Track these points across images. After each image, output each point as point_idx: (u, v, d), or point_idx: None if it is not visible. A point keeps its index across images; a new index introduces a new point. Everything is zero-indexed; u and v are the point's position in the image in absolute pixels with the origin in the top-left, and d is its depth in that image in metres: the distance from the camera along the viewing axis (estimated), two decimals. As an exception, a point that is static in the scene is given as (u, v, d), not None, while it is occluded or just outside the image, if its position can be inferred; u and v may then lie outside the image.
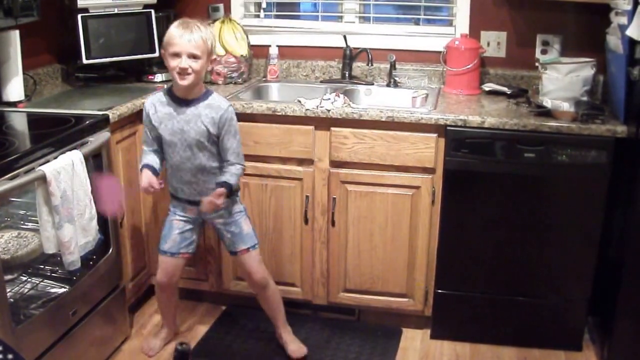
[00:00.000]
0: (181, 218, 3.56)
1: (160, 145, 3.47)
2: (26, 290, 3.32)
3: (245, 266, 3.63)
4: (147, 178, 3.39)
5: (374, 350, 3.84)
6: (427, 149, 3.65)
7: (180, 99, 3.36)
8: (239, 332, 4.00)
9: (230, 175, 3.40)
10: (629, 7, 3.32)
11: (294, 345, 3.78)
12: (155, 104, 3.42)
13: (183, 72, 3.23)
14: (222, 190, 3.34)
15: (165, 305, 3.84)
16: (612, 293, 3.59)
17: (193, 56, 3.22)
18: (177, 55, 3.22)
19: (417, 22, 4.56)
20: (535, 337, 3.88)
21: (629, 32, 3.30)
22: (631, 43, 3.37)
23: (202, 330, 4.04)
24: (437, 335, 3.99)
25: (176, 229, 3.57)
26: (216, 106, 3.36)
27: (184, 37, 3.21)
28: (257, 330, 3.99)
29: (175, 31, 3.24)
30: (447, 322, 3.95)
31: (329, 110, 3.71)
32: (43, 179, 2.95)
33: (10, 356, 1.87)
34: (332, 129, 3.74)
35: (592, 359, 3.81)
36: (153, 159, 3.46)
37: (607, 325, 3.67)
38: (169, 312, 3.87)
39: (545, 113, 3.62)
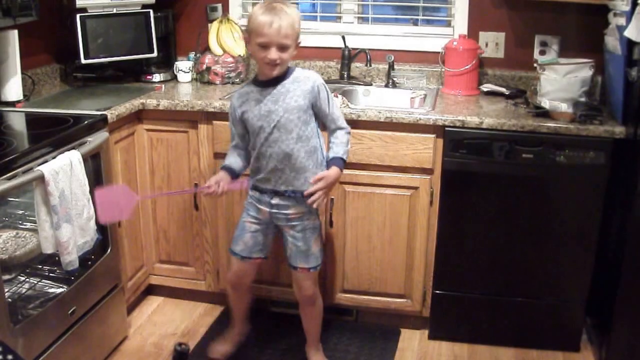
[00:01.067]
0: (253, 220, 3.43)
1: (245, 142, 3.36)
2: (24, 290, 3.32)
3: (298, 282, 3.50)
4: (214, 178, 3.30)
5: (372, 351, 3.84)
6: (426, 150, 3.66)
7: (264, 82, 3.21)
8: (237, 332, 4.00)
9: (338, 145, 3.28)
10: (627, 8, 3.33)
11: None
12: (241, 95, 3.28)
13: (272, 63, 3.08)
14: (332, 172, 3.24)
15: (236, 304, 3.74)
16: (609, 294, 3.60)
17: (282, 47, 3.06)
18: (265, 46, 3.05)
19: (415, 23, 4.56)
20: (533, 338, 3.89)
21: (627, 33, 3.30)
22: (629, 44, 3.38)
23: (201, 330, 4.04)
24: (435, 336, 3.99)
25: (248, 231, 3.45)
26: (304, 77, 3.21)
27: (273, 27, 3.00)
28: (255, 331, 3.99)
29: (262, 19, 3.03)
30: (445, 323, 3.96)
31: (327, 111, 3.71)
32: (41, 179, 2.95)
33: (10, 357, 1.87)
34: (331, 129, 3.75)
35: (589, 360, 3.82)
36: (234, 160, 3.38)
37: (605, 326, 3.67)
38: (239, 311, 3.76)
39: (544, 114, 3.62)
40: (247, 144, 3.35)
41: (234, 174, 3.36)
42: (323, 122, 3.30)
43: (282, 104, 3.17)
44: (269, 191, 3.32)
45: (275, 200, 3.32)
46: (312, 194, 3.23)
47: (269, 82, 3.20)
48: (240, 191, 3.79)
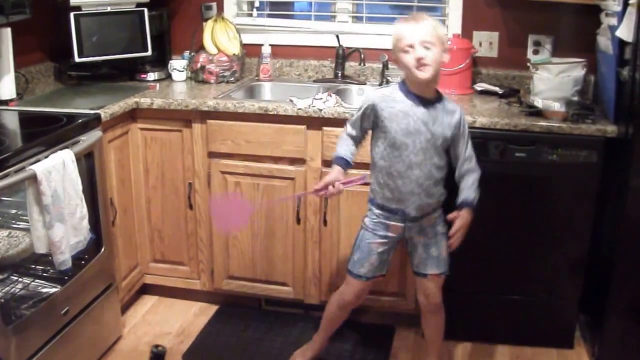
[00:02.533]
0: (382, 240, 3.31)
1: (363, 136, 3.28)
2: (17, 290, 3.31)
3: (426, 290, 3.43)
4: (328, 178, 3.19)
5: (367, 349, 3.85)
6: (419, 149, 3.66)
7: (418, 97, 3.11)
8: (232, 332, 4.00)
9: (470, 189, 3.24)
10: (618, 9, 3.34)
11: None
12: (386, 98, 3.15)
13: (420, 63, 2.98)
14: (464, 211, 3.23)
15: (335, 322, 3.65)
16: (602, 291, 3.61)
17: (426, 45, 2.98)
18: (410, 47, 2.99)
19: (409, 22, 4.56)
20: (527, 335, 3.90)
21: (619, 33, 3.32)
22: (621, 44, 3.40)
23: (195, 330, 4.04)
24: (429, 334, 3.99)
25: (376, 253, 3.33)
26: (452, 109, 3.16)
27: (413, 29, 3.00)
28: (250, 330, 4.00)
29: (402, 27, 3.05)
30: (439, 321, 3.96)
31: (321, 110, 3.72)
32: (34, 178, 2.95)
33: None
34: (324, 128, 3.75)
35: (583, 356, 3.83)
36: (347, 149, 3.26)
37: (598, 323, 3.69)
38: (332, 329, 3.69)
39: (536, 113, 3.63)
40: (364, 137, 3.29)
41: (348, 165, 3.27)
42: (453, 157, 3.25)
43: (433, 128, 3.11)
44: (399, 211, 3.25)
45: (409, 221, 3.27)
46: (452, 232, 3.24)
47: (423, 99, 3.12)
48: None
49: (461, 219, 3.21)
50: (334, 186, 3.16)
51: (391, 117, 3.12)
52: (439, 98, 3.16)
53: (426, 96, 3.11)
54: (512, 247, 3.75)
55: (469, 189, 3.24)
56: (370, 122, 3.20)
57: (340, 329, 3.91)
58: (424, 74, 3.01)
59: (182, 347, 3.86)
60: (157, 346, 1.97)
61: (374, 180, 3.29)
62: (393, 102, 3.13)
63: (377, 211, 3.30)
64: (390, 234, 3.31)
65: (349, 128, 3.27)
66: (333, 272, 3.97)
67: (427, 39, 2.99)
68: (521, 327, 3.89)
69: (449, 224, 3.28)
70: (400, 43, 3.04)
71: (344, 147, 3.26)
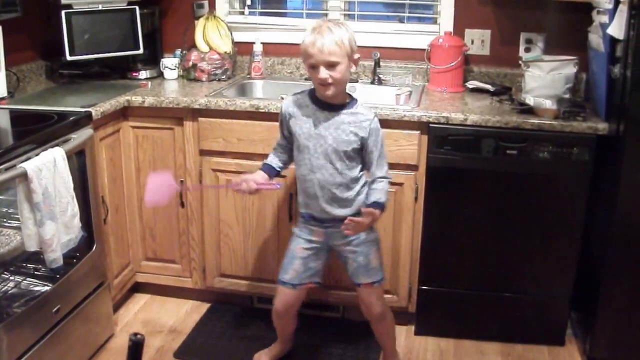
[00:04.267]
0: (305, 245, 3.34)
1: (290, 145, 3.30)
2: (9, 288, 3.31)
3: (364, 299, 3.43)
4: (247, 176, 3.25)
5: (358, 347, 3.85)
6: (410, 146, 3.66)
7: (322, 103, 3.15)
8: (223, 329, 4.00)
9: (379, 192, 3.19)
10: (610, 6, 3.35)
11: None
12: (294, 103, 3.23)
13: (323, 83, 3.03)
14: (371, 210, 3.13)
15: (282, 328, 3.66)
16: (594, 288, 3.61)
17: (330, 65, 3.00)
18: (313, 66, 3.02)
19: (401, 20, 4.57)
20: (518, 333, 3.91)
21: (610, 31, 3.33)
22: (612, 41, 3.40)
23: (187, 328, 4.04)
24: (421, 332, 4.00)
25: (298, 258, 3.35)
26: (361, 115, 3.16)
27: (316, 46, 2.97)
28: (242, 327, 4.00)
29: (307, 39, 3.02)
30: (431, 318, 3.97)
31: (312, 108, 3.72)
32: (24, 176, 2.95)
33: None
34: (316, 126, 3.75)
35: (574, 354, 3.84)
36: (273, 159, 3.35)
37: (589, 321, 3.70)
38: (285, 334, 3.70)
39: (528, 110, 3.63)
40: (292, 145, 3.30)
41: (273, 172, 3.32)
42: (367, 164, 3.22)
43: (334, 133, 3.14)
44: (309, 217, 3.30)
45: (329, 223, 3.28)
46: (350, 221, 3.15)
47: (327, 105, 3.16)
48: (242, 193, 3.71)
49: (369, 214, 3.14)
50: (248, 184, 3.21)
51: (297, 121, 3.20)
52: (350, 104, 3.19)
53: (332, 102, 3.15)
54: (503, 245, 3.75)
55: (379, 192, 3.20)
56: (285, 127, 3.28)
57: (330, 327, 3.93)
58: (328, 92, 3.07)
59: (174, 345, 3.86)
60: (135, 334, 1.98)
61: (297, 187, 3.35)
62: (300, 107, 3.21)
63: (302, 217, 3.36)
64: (314, 239, 3.33)
65: (271, 154, 3.39)
66: (325, 271, 3.96)
67: (330, 60, 2.99)
68: (512, 325, 3.90)
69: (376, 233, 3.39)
70: (306, 59, 3.07)
71: (272, 156, 3.37)
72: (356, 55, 3.11)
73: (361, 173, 3.24)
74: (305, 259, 3.35)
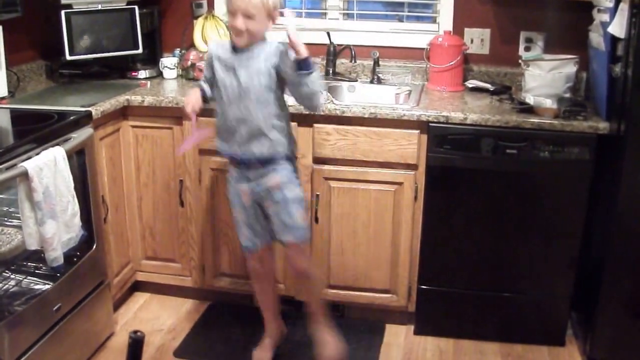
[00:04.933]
0: (240, 209, 3.43)
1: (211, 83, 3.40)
2: (10, 286, 3.31)
3: (289, 257, 3.53)
4: (194, 97, 3.32)
5: (358, 346, 3.85)
6: (410, 146, 3.67)
7: (238, 49, 3.24)
8: (222, 328, 4.00)
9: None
10: (610, 5, 3.35)
11: (330, 348, 3.63)
12: (219, 45, 3.34)
13: (237, 32, 3.13)
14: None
15: (262, 298, 3.72)
16: (594, 289, 3.61)
17: (248, 15, 3.07)
18: (232, 13, 3.11)
19: (400, 19, 4.57)
20: (518, 333, 3.91)
21: (611, 30, 3.33)
22: (613, 40, 3.40)
23: (187, 326, 4.04)
24: (420, 331, 4.00)
25: (242, 224, 3.47)
26: (269, 44, 3.21)
27: None
28: (241, 326, 4.00)
29: None
30: (431, 318, 3.97)
31: (312, 107, 3.72)
32: (25, 175, 2.95)
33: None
34: (315, 125, 3.75)
35: (574, 354, 3.83)
36: (205, 86, 3.40)
37: (589, 321, 3.69)
38: (267, 307, 3.74)
39: (528, 110, 3.64)
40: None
41: (205, 96, 3.40)
42: (292, 87, 3.23)
43: (247, 67, 3.20)
44: (231, 158, 3.37)
45: (251, 174, 3.34)
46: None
47: (242, 50, 3.23)
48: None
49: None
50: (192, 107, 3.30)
51: (217, 59, 3.28)
52: (262, 42, 3.24)
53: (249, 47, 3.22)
54: (503, 244, 3.75)
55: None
56: (210, 67, 3.35)
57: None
58: (239, 40, 3.18)
59: (173, 344, 3.86)
60: (135, 332, 1.97)
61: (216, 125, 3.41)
62: (223, 48, 3.30)
63: (228, 175, 3.47)
64: (244, 202, 3.41)
65: (200, 81, 3.47)
66: (324, 269, 3.97)
67: (248, 9, 3.08)
68: (512, 325, 3.90)
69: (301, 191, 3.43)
70: (227, 4, 3.16)
71: (203, 84, 3.44)
72: (276, 12, 3.19)
73: (278, 112, 3.28)
74: (249, 225, 3.47)
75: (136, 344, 2.12)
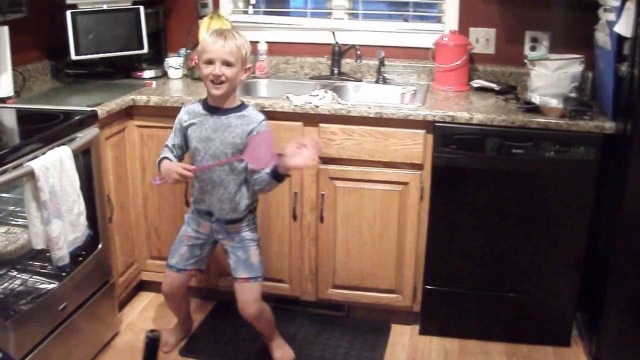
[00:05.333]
0: (193, 234, 3.50)
1: (179, 154, 3.41)
2: (15, 286, 3.32)
3: (240, 296, 3.52)
4: (174, 164, 3.28)
5: (363, 346, 3.84)
6: (416, 145, 3.66)
7: (213, 108, 3.30)
8: (227, 328, 4.00)
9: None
10: (617, 4, 3.34)
11: (279, 352, 3.74)
12: (189, 111, 3.36)
13: (216, 80, 3.16)
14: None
15: (174, 309, 3.87)
16: (600, 289, 3.61)
17: (227, 63, 3.15)
18: (210, 62, 3.16)
19: (406, 19, 4.57)
20: (523, 333, 3.90)
21: (617, 29, 3.32)
22: (619, 39, 3.40)
23: (192, 326, 4.03)
24: (425, 331, 4.00)
25: (185, 244, 3.52)
26: (249, 117, 3.30)
27: (217, 44, 3.14)
28: (246, 326, 3.98)
29: (209, 39, 3.19)
30: (436, 318, 3.97)
31: (317, 106, 3.72)
32: (31, 174, 2.95)
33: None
34: (321, 125, 3.75)
35: (580, 355, 3.83)
36: (170, 156, 3.37)
37: (595, 321, 3.69)
38: (179, 314, 3.90)
39: (534, 109, 3.63)
40: (181, 156, 3.43)
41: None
42: (253, 174, 3.30)
43: (221, 136, 3.28)
44: (205, 212, 3.43)
45: (213, 218, 3.42)
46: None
47: (217, 109, 3.30)
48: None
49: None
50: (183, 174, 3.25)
51: (191, 127, 3.34)
52: (240, 108, 3.33)
53: (223, 107, 3.30)
54: (509, 245, 3.75)
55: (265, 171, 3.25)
56: (181, 136, 3.39)
57: (335, 326, 3.94)
58: (218, 91, 3.21)
59: (179, 343, 3.86)
60: (152, 331, 1.98)
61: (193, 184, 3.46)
62: (194, 114, 3.35)
63: (193, 207, 3.51)
64: (200, 230, 3.49)
65: (165, 146, 3.43)
66: (330, 269, 3.97)
67: (227, 59, 3.16)
68: (517, 325, 3.90)
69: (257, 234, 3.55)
70: (202, 54, 3.20)
71: (165, 154, 3.38)
72: (249, 64, 3.30)
73: (245, 176, 3.36)
74: (191, 247, 3.53)
75: (152, 343, 2.12)
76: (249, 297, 3.50)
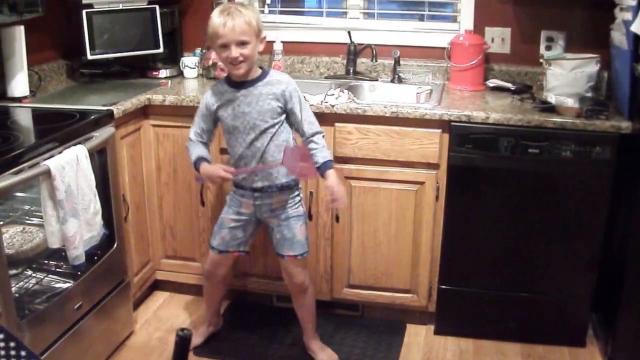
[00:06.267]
0: (233, 216, 3.49)
1: (209, 138, 3.45)
2: (31, 285, 3.33)
3: (287, 270, 3.55)
4: (213, 168, 3.34)
5: (378, 346, 3.84)
6: (431, 145, 3.66)
7: (238, 83, 3.27)
8: (242, 327, 4.00)
9: (323, 149, 3.32)
10: (633, 3, 3.32)
11: (324, 355, 3.73)
12: (215, 93, 3.35)
13: (235, 62, 3.16)
14: (331, 172, 3.28)
15: (210, 295, 3.83)
16: (615, 290, 3.59)
17: (242, 43, 3.13)
18: (225, 46, 3.14)
19: (421, 18, 4.57)
20: (539, 333, 3.89)
21: (634, 28, 3.30)
22: (636, 39, 3.37)
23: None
24: (440, 331, 3.99)
25: (226, 227, 3.51)
26: (276, 81, 3.29)
27: (227, 26, 3.10)
28: (261, 326, 4.00)
29: (217, 21, 3.13)
30: (451, 318, 3.96)
31: (333, 106, 3.71)
32: (48, 173, 2.96)
33: (12, 344, 1.88)
34: (336, 124, 3.75)
35: (595, 355, 3.81)
36: (203, 151, 3.40)
37: (611, 322, 3.67)
38: (212, 304, 3.87)
39: (550, 109, 3.62)
40: (210, 139, 3.47)
41: (208, 160, 3.42)
42: (296, 126, 3.35)
43: (256, 107, 3.26)
44: (249, 188, 3.40)
45: (257, 194, 3.38)
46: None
47: (242, 83, 3.27)
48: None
49: (331, 179, 3.29)
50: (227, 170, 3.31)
51: (221, 107, 3.33)
52: (263, 75, 3.31)
53: (246, 79, 3.27)
54: (524, 244, 3.74)
55: (321, 151, 3.32)
56: (212, 121, 3.41)
57: (350, 326, 3.93)
58: (240, 70, 3.20)
59: (193, 343, 3.85)
60: (183, 329, 1.98)
61: (231, 164, 3.44)
62: (220, 94, 3.34)
63: (233, 187, 3.50)
64: (243, 211, 3.48)
65: (192, 134, 3.45)
66: (345, 269, 3.97)
67: (241, 38, 3.14)
68: (533, 325, 3.88)
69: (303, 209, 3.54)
70: (216, 40, 3.18)
71: (198, 150, 3.42)
72: (263, 34, 3.26)
73: (287, 136, 3.36)
74: (232, 229, 3.52)
75: (183, 342, 2.13)
76: (295, 269, 3.54)
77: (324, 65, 4.56)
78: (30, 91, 3.88)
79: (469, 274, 3.85)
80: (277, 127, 3.29)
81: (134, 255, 3.98)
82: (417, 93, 4.13)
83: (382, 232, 3.86)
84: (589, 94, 3.70)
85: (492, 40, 4.30)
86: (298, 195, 3.49)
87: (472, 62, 4.12)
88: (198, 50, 4.54)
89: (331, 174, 3.28)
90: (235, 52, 3.13)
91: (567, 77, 3.68)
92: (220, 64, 4.32)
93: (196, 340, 3.82)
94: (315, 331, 3.76)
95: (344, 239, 3.92)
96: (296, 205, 3.47)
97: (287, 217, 3.44)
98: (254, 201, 3.41)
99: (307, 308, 3.69)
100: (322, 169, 3.29)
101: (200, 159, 3.36)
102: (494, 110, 3.62)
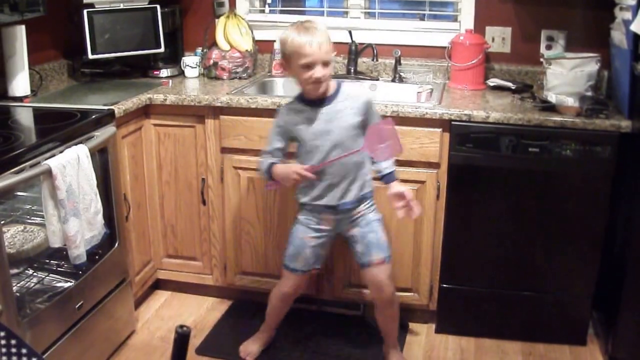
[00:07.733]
0: (314, 234, 3.42)
1: (280, 158, 3.36)
2: (32, 284, 3.34)
3: (376, 279, 3.45)
4: (290, 166, 3.29)
5: (379, 345, 3.84)
6: (432, 144, 3.66)
7: (314, 101, 3.22)
8: (244, 327, 3.99)
9: (389, 162, 3.33)
10: (633, 2, 3.33)
11: None
12: (290, 111, 3.29)
13: (318, 82, 3.10)
14: (395, 184, 3.31)
15: (277, 313, 3.74)
16: (616, 288, 3.59)
17: (325, 63, 3.08)
18: (309, 66, 3.07)
19: (422, 18, 4.57)
20: (539, 332, 3.89)
21: (634, 28, 3.30)
22: (635, 38, 3.37)
23: (208, 325, 4.05)
24: (441, 330, 4.00)
25: (308, 247, 3.44)
26: (354, 95, 3.28)
27: (314, 45, 3.04)
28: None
29: (301, 39, 3.06)
30: (452, 317, 3.96)
31: (333, 105, 3.72)
32: (49, 173, 2.97)
33: (13, 342, 1.88)
34: (337, 123, 3.75)
35: (596, 354, 3.82)
36: (272, 159, 3.34)
37: (611, 320, 3.67)
38: (276, 320, 3.78)
39: (550, 108, 3.62)
40: (283, 157, 3.37)
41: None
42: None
43: (337, 123, 3.21)
44: (322, 207, 3.35)
45: (339, 209, 3.35)
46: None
47: (320, 100, 3.22)
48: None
49: (396, 188, 3.31)
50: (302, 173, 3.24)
51: (299, 127, 3.26)
52: (338, 90, 3.26)
53: (323, 97, 3.22)
54: (525, 243, 3.74)
55: (388, 163, 3.33)
56: (287, 140, 3.34)
57: (351, 325, 3.93)
58: (320, 90, 3.16)
59: (195, 342, 3.87)
60: (182, 326, 1.99)
61: (303, 184, 3.36)
62: (297, 113, 3.27)
63: (309, 207, 3.41)
64: (323, 227, 3.42)
65: (263, 155, 3.39)
66: (346, 268, 3.97)
67: (326, 58, 3.09)
68: (533, 324, 3.89)
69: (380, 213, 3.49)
70: (298, 59, 3.10)
71: (269, 160, 3.36)
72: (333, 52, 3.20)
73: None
74: (314, 247, 3.45)
75: (182, 339, 2.14)
76: (385, 278, 3.45)
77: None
78: (32, 90, 3.89)
79: (470, 273, 3.85)
80: (357, 142, 3.23)
81: (135, 254, 3.98)
82: (418, 92, 4.14)
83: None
84: (589, 93, 3.70)
85: (493, 39, 4.30)
86: (372, 199, 3.44)
87: (472, 62, 4.12)
88: (199, 50, 4.54)
89: (395, 185, 3.32)
90: (319, 72, 3.07)
91: (567, 76, 3.69)
92: (221, 63, 4.33)
93: (256, 349, 3.75)
94: (396, 341, 3.70)
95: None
96: (374, 208, 3.44)
97: (368, 221, 3.40)
98: (334, 216, 3.37)
99: (393, 319, 3.64)
100: (387, 179, 3.32)
101: (272, 164, 3.33)
102: (495, 110, 3.63)
